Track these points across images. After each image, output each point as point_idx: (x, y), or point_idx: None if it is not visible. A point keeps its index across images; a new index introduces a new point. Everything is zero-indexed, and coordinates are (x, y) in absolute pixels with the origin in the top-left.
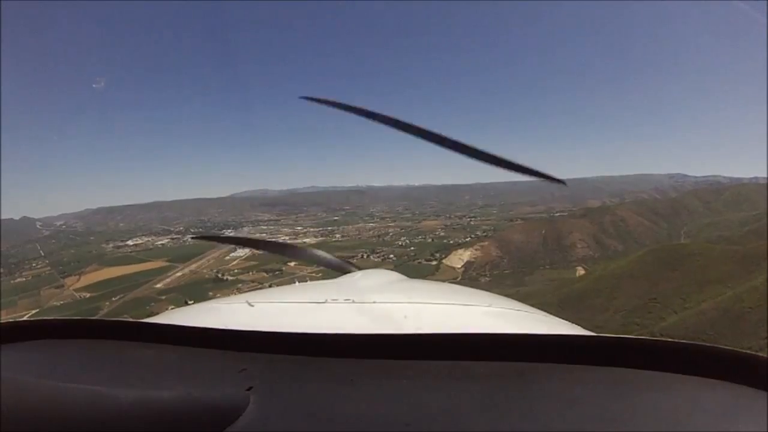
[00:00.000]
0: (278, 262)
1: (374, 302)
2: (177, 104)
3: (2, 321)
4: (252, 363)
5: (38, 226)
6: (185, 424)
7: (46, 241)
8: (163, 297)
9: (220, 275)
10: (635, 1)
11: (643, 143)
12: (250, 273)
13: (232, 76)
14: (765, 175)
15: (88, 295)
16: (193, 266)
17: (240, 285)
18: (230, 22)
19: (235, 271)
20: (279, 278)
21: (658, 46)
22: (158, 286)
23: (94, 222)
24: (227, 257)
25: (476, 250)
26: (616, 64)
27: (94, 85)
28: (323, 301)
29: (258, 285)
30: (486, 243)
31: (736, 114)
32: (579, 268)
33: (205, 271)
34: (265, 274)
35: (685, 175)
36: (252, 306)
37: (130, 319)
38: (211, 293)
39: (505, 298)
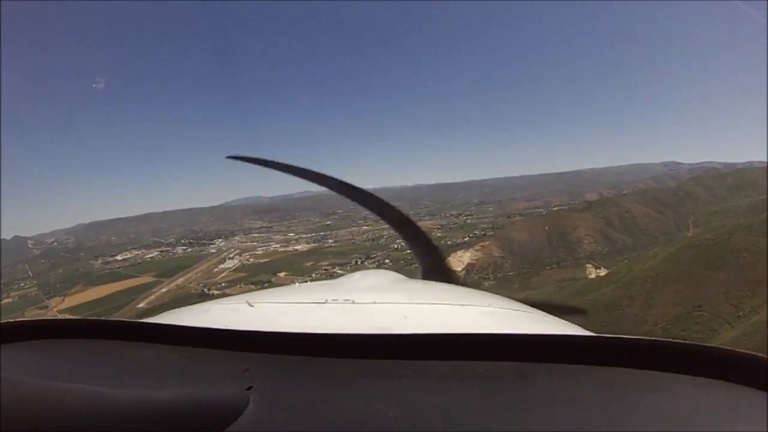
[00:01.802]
0: (267, 273)
1: (374, 302)
2: (170, 112)
3: (2, 321)
4: (252, 363)
5: (30, 245)
6: (185, 424)
7: (35, 261)
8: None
9: (206, 290)
10: None
11: (635, 133)
12: (238, 286)
13: (225, 83)
14: (760, 159)
15: (70, 317)
16: (180, 280)
17: None
18: (221, 32)
19: (222, 284)
20: None
21: (647, 37)
22: (141, 305)
23: (85, 237)
24: (215, 269)
25: (477, 251)
26: (607, 57)
27: (94, 85)
28: (323, 301)
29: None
30: (487, 243)
31: (727, 101)
32: (588, 265)
33: (191, 285)
34: (253, 287)
35: (679, 163)
36: (252, 306)
37: (130, 319)
38: None
39: (505, 298)
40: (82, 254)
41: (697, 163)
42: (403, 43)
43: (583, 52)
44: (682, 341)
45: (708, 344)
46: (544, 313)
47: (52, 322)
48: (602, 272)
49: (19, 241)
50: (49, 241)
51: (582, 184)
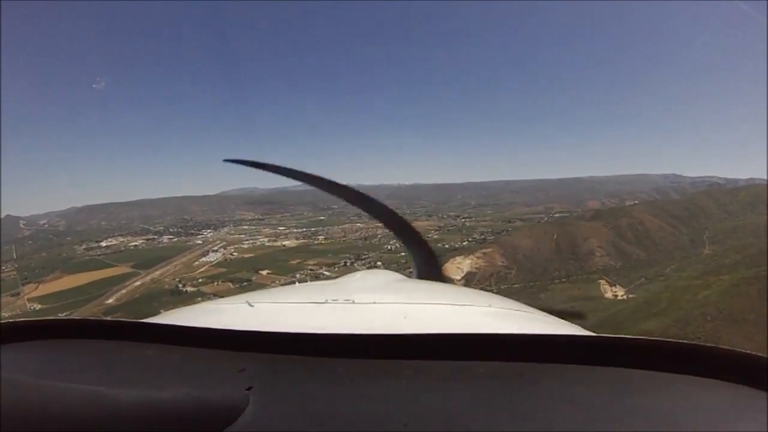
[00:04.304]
0: (249, 270)
1: (374, 302)
2: (170, 101)
3: (2, 321)
4: (252, 363)
5: (21, 225)
6: (185, 424)
7: (23, 242)
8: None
9: (180, 285)
10: (629, 0)
11: (636, 143)
12: (215, 283)
13: (224, 73)
14: (761, 176)
15: (38, 306)
16: (157, 273)
17: (199, 299)
18: (220, 19)
19: (200, 280)
20: (246, 290)
21: (649, 45)
22: (109, 301)
23: (76, 221)
24: (196, 262)
25: (478, 258)
26: (609, 64)
27: (94, 86)
28: (323, 301)
29: (220, 298)
30: (489, 249)
31: (730, 115)
32: (602, 281)
33: (167, 279)
34: (231, 285)
35: (680, 176)
36: (252, 306)
37: (130, 319)
38: (162, 311)
39: (505, 298)
40: (69, 238)
41: (698, 177)
42: (403, 41)
43: (587, 59)
44: (683, 341)
45: (708, 344)
46: (545, 314)
47: (52, 322)
48: (618, 290)
49: (12, 220)
50: (41, 222)
51: (583, 191)
